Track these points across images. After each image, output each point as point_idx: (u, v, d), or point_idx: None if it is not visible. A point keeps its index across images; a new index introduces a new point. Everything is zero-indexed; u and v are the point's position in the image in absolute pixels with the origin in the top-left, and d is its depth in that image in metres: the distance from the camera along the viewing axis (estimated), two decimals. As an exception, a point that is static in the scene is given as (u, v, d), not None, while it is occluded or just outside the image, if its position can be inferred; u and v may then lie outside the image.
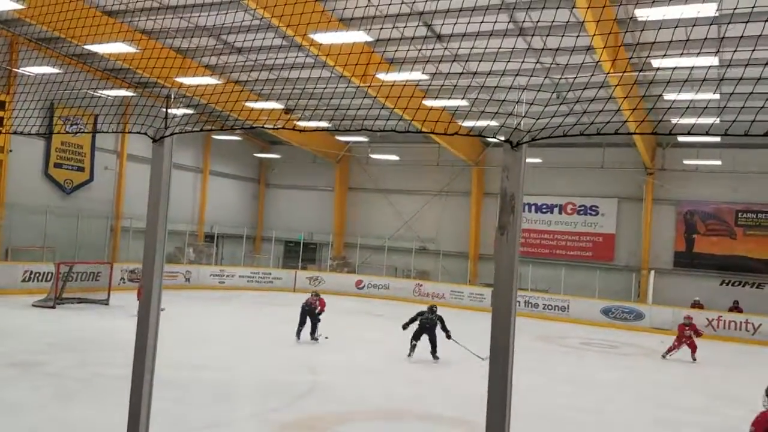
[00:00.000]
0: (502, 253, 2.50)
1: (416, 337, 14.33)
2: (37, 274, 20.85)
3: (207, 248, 29.98)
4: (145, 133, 3.22)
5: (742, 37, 4.98)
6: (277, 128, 7.80)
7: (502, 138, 2.49)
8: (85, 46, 18.29)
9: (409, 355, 14.22)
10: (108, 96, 21.69)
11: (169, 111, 20.74)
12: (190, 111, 24.50)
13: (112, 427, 5.03)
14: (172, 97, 20.31)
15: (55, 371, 10.79)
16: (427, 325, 14.29)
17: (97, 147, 25.25)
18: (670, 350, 16.94)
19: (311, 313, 15.60)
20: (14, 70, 20.37)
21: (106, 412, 8.22)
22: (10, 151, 21.90)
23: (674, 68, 12.50)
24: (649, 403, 11.82)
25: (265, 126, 19.38)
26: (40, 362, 11.27)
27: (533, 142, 2.48)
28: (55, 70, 19.26)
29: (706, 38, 6.69)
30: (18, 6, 13.74)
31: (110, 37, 16.59)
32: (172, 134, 3.13)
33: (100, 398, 9.17)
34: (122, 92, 22.60)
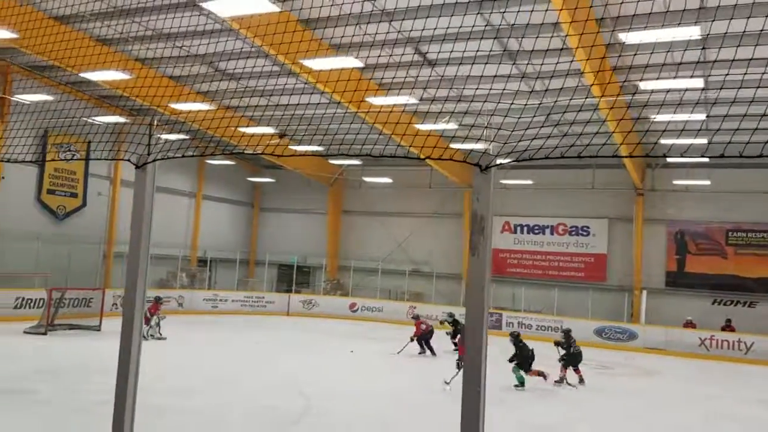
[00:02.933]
0: (473, 273, 2.58)
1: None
2: (29, 301, 20.77)
3: (200, 273, 29.92)
4: (128, 160, 3.30)
5: (728, 60, 5.13)
6: (267, 154, 7.86)
7: (473, 162, 2.58)
8: (80, 74, 18.47)
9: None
10: (101, 123, 21.84)
11: (161, 136, 20.87)
12: (183, 137, 24.64)
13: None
14: (155, 123, 20.44)
15: (45, 398, 10.74)
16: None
17: (90, 173, 25.34)
18: None
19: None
20: (7, 97, 20.50)
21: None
22: (3, 177, 21.96)
23: (652, 91, 12.77)
24: (641, 422, 11.81)
25: (251, 151, 19.48)
26: (29, 389, 11.21)
27: (502, 165, 2.57)
28: (49, 98, 19.41)
29: (684, 62, 6.85)
30: (11, 35, 13.91)
31: (104, 65, 16.79)
32: (154, 160, 3.21)
33: (90, 425, 9.11)
34: (115, 119, 22.76)
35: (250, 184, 34.47)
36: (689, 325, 23.32)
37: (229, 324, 23.48)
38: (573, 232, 27.49)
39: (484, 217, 2.56)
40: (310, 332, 22.45)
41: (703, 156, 17.25)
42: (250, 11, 12.01)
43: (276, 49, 14.10)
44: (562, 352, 14.79)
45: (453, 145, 19.92)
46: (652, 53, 10.12)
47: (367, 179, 30.44)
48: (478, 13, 12.72)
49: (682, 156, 17.77)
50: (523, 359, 13.62)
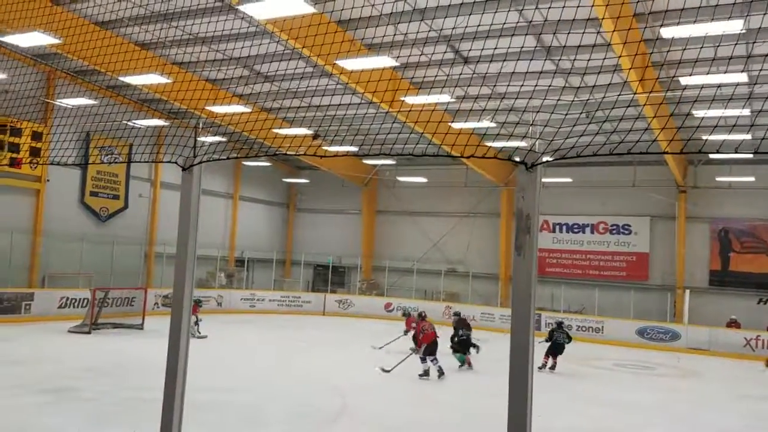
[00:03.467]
0: (519, 273, 2.54)
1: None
2: (74, 300, 21.33)
3: (238, 273, 30.33)
4: (175, 162, 3.35)
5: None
6: (303, 155, 7.96)
7: (518, 159, 2.54)
8: (120, 78, 18.88)
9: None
10: (141, 126, 22.29)
11: (200, 139, 21.20)
12: (220, 139, 25.01)
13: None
14: (200, 126, 20.79)
15: (91, 396, 10.99)
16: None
17: (131, 175, 25.89)
18: None
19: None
20: (51, 102, 21.07)
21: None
22: (48, 180, 22.59)
23: (702, 86, 12.46)
24: (685, 425, 11.54)
25: (288, 152, 19.70)
26: (75, 387, 11.50)
27: (549, 163, 2.53)
28: (91, 102, 19.88)
29: (726, 56, 6.66)
30: (55, 41, 14.28)
31: (144, 69, 17.12)
32: (200, 163, 3.25)
33: (134, 422, 9.30)
34: (155, 122, 23.20)
35: (286, 185, 34.78)
36: (733, 324, 22.70)
37: (266, 323, 23.72)
38: (614, 231, 27.01)
39: (530, 216, 2.52)
40: (346, 331, 22.53)
41: (747, 152, 16.76)
42: (287, 13, 12.08)
43: (312, 51, 14.19)
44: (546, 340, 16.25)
45: (492, 143, 19.74)
46: (685, 48, 9.87)
47: (402, 179, 30.40)
48: (509, 10, 12.57)
49: (718, 152, 17.28)
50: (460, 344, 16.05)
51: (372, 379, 14.18)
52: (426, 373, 14.33)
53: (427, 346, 14.47)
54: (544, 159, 2.51)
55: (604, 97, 13.10)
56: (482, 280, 28.73)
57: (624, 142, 3.54)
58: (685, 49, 9.22)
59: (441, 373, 14.31)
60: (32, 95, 20.89)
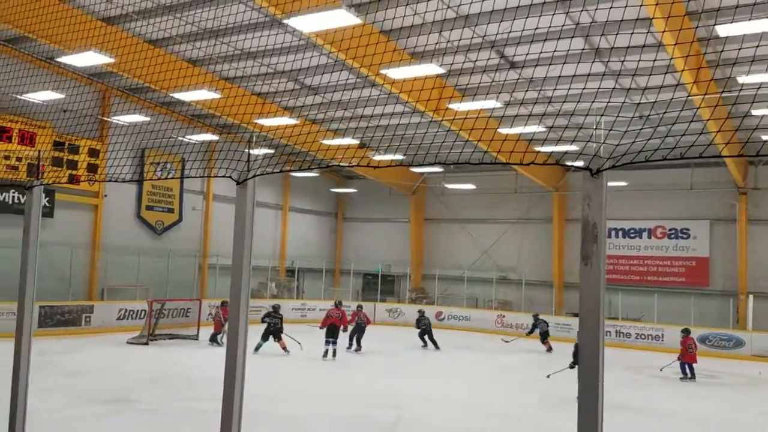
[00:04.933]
0: (586, 284, 2.41)
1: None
2: (132, 312, 21.90)
3: (288, 283, 30.61)
4: (230, 177, 3.36)
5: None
6: (353, 166, 7.99)
7: (581, 165, 2.43)
8: (172, 94, 19.36)
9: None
10: (194, 141, 22.81)
11: (251, 152, 21.53)
12: (270, 151, 25.37)
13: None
14: (254, 139, 21.14)
15: (149, 407, 11.20)
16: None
17: (185, 189, 26.51)
18: None
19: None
20: (107, 119, 21.77)
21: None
22: (105, 195, 23.32)
23: (761, 84, 11.96)
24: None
25: (341, 164, 19.85)
26: (135, 398, 11.74)
27: (614, 168, 2.41)
28: (145, 119, 20.45)
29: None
30: (109, 59, 14.73)
31: (195, 85, 17.52)
32: (254, 176, 3.25)
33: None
34: (207, 136, 23.71)
35: (334, 195, 35.02)
36: (803, 331, 21.66)
37: (317, 333, 23.73)
38: (672, 235, 26.15)
39: (596, 225, 2.40)
40: (397, 341, 22.42)
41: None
42: (332, 25, 12.16)
43: (358, 61, 14.24)
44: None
45: (541, 148, 19.39)
46: (741, 46, 9.47)
47: (450, 186, 30.18)
48: (555, 13, 12.34)
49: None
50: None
51: (426, 389, 14.03)
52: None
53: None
54: (611, 164, 2.38)
55: (665, 99, 12.68)
56: (535, 288, 28.23)
57: (700, 144, 3.37)
58: (740, 48, 8.87)
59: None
60: (89, 113, 21.68)
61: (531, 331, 21.49)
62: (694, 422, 12.13)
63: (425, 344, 21.01)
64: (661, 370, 17.24)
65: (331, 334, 17.73)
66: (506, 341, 22.43)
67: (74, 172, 20.97)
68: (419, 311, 22.38)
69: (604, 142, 2.98)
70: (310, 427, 10.36)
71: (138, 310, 21.75)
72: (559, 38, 9.68)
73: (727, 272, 25.02)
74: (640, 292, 25.53)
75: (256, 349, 17.10)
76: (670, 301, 24.52)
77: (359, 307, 20.62)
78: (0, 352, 7.02)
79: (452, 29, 13.99)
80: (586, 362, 2.43)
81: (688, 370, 16.70)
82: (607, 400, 2.48)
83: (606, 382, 2.47)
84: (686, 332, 17.19)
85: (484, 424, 11.09)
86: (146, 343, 18.70)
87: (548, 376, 14.97)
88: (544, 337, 21.33)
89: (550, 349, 20.87)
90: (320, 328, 18.27)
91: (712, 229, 25.41)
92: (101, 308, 21.59)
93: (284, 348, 17.87)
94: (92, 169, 21.85)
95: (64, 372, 13.85)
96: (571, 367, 13.85)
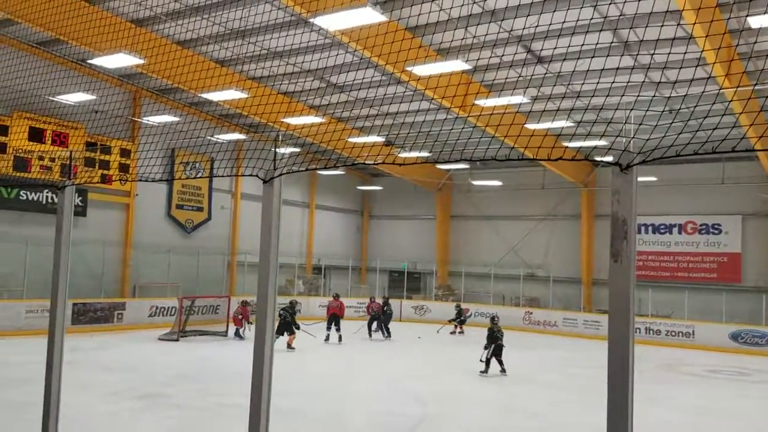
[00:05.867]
0: (616, 282, 2.39)
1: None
2: (162, 309, 22.25)
3: (315, 280, 30.80)
4: (256, 175, 3.39)
5: None
6: (379, 164, 8.03)
7: (611, 160, 2.40)
8: (200, 95, 19.59)
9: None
10: (222, 141, 23.06)
11: (278, 151, 21.68)
12: (296, 150, 25.53)
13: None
14: (280, 138, 21.31)
15: (180, 402, 11.37)
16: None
17: (213, 188, 26.83)
18: None
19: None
20: (137, 120, 22.12)
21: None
22: (137, 195, 23.70)
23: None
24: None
25: (367, 162, 19.84)
26: (166, 393, 11.93)
27: (644, 164, 2.37)
28: (174, 119, 20.72)
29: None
30: (139, 61, 14.97)
31: (222, 85, 17.71)
32: (280, 174, 3.27)
33: (220, 427, 9.55)
34: (235, 135, 23.95)
35: (359, 193, 35.10)
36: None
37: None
38: (703, 231, 25.68)
39: (626, 221, 2.37)
40: (424, 338, 22.41)
41: None
42: (358, 23, 12.18)
43: (383, 59, 14.24)
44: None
45: (569, 143, 19.20)
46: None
47: (476, 182, 30.03)
48: (583, 6, 12.18)
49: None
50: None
51: (451, 386, 14.01)
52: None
53: None
54: (641, 159, 2.35)
55: (686, 94, 12.45)
56: (563, 285, 27.95)
57: (733, 138, 3.30)
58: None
59: None
60: (120, 114, 22.05)
61: (455, 320, 24.02)
62: (726, 419, 11.90)
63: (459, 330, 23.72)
64: None
65: (332, 323, 20.18)
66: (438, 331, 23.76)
67: (106, 172, 21.36)
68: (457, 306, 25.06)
69: (634, 137, 2.94)
70: (341, 424, 10.42)
71: (168, 307, 22.10)
72: (587, 32, 9.59)
73: (760, 268, 24.49)
74: (671, 289, 25.12)
75: None
76: (701, 298, 24.08)
77: (371, 299, 24.36)
78: (34, 349, 7.19)
79: (478, 24, 13.91)
80: (617, 359, 2.40)
81: None
82: (636, 396, 2.45)
83: (636, 379, 2.44)
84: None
85: (513, 423, 11.04)
86: (177, 340, 18.98)
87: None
88: (461, 322, 24.09)
89: (458, 333, 23.62)
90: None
91: (744, 225, 24.90)
92: (133, 305, 21.97)
93: (288, 345, 17.97)
94: (124, 168, 22.22)
95: (97, 368, 14.13)
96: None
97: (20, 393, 10.78)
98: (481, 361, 15.16)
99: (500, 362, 15.09)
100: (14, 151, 19.66)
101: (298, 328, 18.25)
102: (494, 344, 15.11)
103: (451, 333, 23.63)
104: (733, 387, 15.81)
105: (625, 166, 2.38)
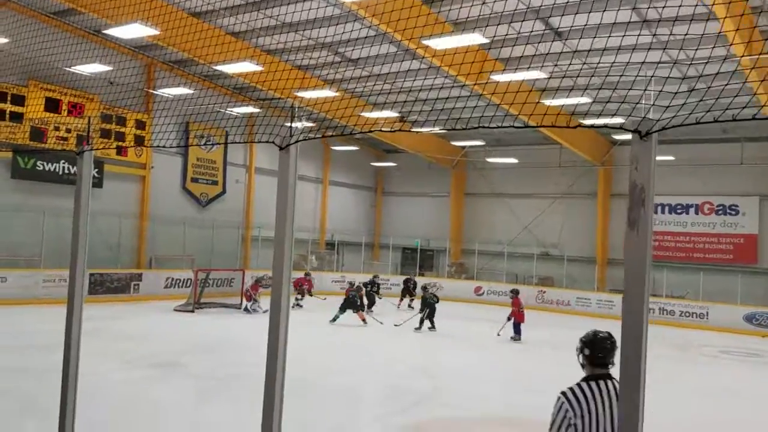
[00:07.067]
0: (632, 251, 2.36)
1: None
2: (178, 281, 22.50)
3: (328, 255, 30.94)
4: (273, 142, 3.38)
5: None
6: (395, 131, 8.00)
7: (630, 128, 2.37)
8: (215, 67, 19.54)
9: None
10: (236, 114, 23.04)
11: (293, 124, 21.67)
12: (310, 124, 25.47)
13: (247, 425, 5.30)
14: (296, 111, 21.29)
15: (195, 372, 11.54)
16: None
17: (228, 162, 26.92)
18: None
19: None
20: (152, 91, 22.15)
21: (241, 411, 8.68)
22: (152, 167, 23.83)
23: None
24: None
25: (383, 129, 19.93)
26: (181, 363, 12.11)
27: (663, 131, 2.33)
28: (188, 91, 20.70)
29: None
30: (153, 32, 14.92)
31: (237, 58, 17.63)
32: (296, 141, 3.26)
33: (234, 396, 9.69)
34: (249, 109, 23.94)
35: (373, 169, 35.05)
36: None
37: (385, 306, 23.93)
38: (720, 212, 25.42)
39: (644, 188, 2.34)
40: (436, 315, 22.45)
41: None
42: (374, -6, 12.06)
43: (399, 33, 14.11)
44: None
45: (584, 120, 18.93)
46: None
47: (491, 160, 29.86)
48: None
49: None
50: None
51: (461, 361, 14.09)
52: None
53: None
54: (660, 126, 2.32)
55: (703, 72, 12.24)
56: (578, 264, 27.85)
57: (754, 105, 3.24)
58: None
59: None
60: (135, 86, 22.07)
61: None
62: (739, 400, 11.88)
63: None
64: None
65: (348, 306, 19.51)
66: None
67: (122, 144, 21.49)
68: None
69: (654, 104, 2.90)
70: (357, 395, 10.53)
71: (184, 279, 22.34)
72: (605, 10, 9.43)
73: (777, 250, 24.28)
74: (686, 270, 24.98)
75: (333, 320, 18.45)
76: (717, 279, 23.93)
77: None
78: (53, 318, 7.30)
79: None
80: (630, 333, 2.38)
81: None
82: (648, 376, 2.43)
83: (649, 357, 2.42)
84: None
85: (523, 398, 11.10)
86: (192, 311, 19.21)
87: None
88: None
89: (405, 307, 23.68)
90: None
91: (762, 206, 24.60)
92: (149, 276, 22.23)
93: (363, 320, 18.69)
94: (139, 140, 22.34)
95: (114, 337, 14.33)
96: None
97: (42, 361, 10.96)
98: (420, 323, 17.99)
99: (432, 322, 18.04)
100: (31, 121, 19.80)
101: (362, 308, 19.06)
102: (428, 308, 17.96)
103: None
104: (746, 369, 15.76)
105: (645, 133, 2.34)
